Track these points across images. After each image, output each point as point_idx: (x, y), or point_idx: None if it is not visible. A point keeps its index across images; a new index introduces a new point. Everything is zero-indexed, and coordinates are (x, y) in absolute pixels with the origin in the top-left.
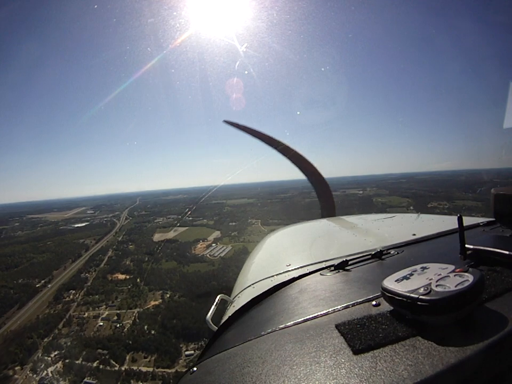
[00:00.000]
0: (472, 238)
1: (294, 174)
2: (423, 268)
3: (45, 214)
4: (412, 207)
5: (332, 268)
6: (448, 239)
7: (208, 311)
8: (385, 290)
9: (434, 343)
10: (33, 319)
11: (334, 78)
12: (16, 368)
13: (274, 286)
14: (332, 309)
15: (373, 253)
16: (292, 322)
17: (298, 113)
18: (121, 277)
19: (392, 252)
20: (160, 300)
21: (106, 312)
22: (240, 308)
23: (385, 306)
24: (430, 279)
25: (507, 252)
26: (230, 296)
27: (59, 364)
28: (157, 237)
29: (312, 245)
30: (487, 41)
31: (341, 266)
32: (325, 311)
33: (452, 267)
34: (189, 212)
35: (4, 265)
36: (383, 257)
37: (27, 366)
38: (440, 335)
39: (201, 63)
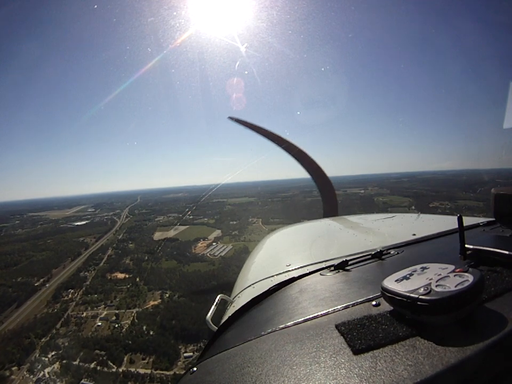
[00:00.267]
0: (472, 238)
1: (295, 173)
2: (423, 268)
3: (46, 212)
4: (413, 207)
5: (332, 268)
6: (448, 239)
7: (208, 311)
8: (385, 290)
9: (434, 343)
10: (31, 319)
11: (334, 78)
12: (13, 368)
13: (274, 286)
14: (332, 309)
15: (373, 253)
16: (291, 322)
17: (298, 113)
18: (121, 276)
19: (392, 252)
20: (160, 300)
21: (105, 312)
22: (240, 308)
23: (385, 306)
24: (430, 279)
25: (507, 252)
26: (230, 296)
27: (56, 365)
28: (157, 235)
29: (312, 245)
30: (487, 41)
31: (341, 266)
32: (325, 311)
33: (451, 267)
34: (189, 212)
35: (3, 263)
36: (383, 257)
37: (24, 367)
38: (440, 335)
39: (201, 62)
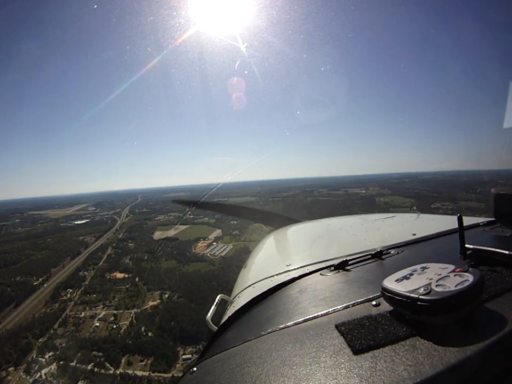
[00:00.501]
0: (472, 238)
1: (296, 173)
2: (423, 268)
3: (46, 211)
4: (415, 208)
5: (332, 268)
6: (448, 239)
7: (208, 311)
8: (385, 290)
9: (434, 343)
10: (29, 318)
11: (334, 78)
12: (10, 369)
13: (274, 286)
14: (332, 309)
15: (373, 252)
16: (291, 322)
17: (298, 112)
18: (120, 275)
19: (392, 251)
20: (159, 300)
21: (103, 312)
22: (240, 307)
23: (385, 306)
24: (430, 279)
25: (507, 252)
26: (230, 296)
27: (53, 366)
28: (158, 234)
29: (312, 245)
30: (487, 41)
31: (341, 266)
32: (325, 311)
33: (451, 267)
34: (189, 212)
35: (3, 262)
36: (383, 257)
37: (21, 367)
38: (440, 335)
39: (201, 62)
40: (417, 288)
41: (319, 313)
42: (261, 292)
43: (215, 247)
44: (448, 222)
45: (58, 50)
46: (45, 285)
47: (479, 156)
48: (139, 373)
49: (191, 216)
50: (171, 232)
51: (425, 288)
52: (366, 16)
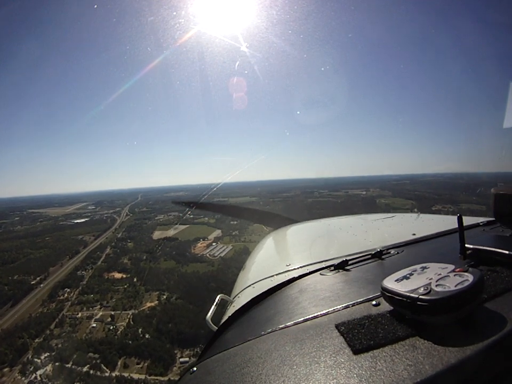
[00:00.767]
0: (472, 238)
1: (296, 173)
2: (423, 268)
3: (46, 209)
4: (416, 210)
5: (332, 268)
6: (448, 239)
7: (208, 311)
8: (385, 290)
9: (434, 343)
10: (26, 318)
11: (334, 78)
12: (5, 369)
13: (274, 286)
14: (332, 308)
15: (373, 252)
16: (291, 322)
17: (298, 112)
18: (118, 275)
19: (392, 251)
20: (157, 302)
21: (101, 313)
22: (240, 307)
23: (385, 306)
24: (429, 279)
25: (507, 252)
26: (230, 296)
27: (49, 367)
28: (157, 234)
29: (312, 245)
30: (487, 41)
31: (341, 266)
32: (324, 311)
33: (451, 267)
34: (189, 212)
35: (1, 260)
36: (383, 257)
37: (16, 368)
38: (440, 335)
39: (201, 62)
40: (417, 288)
41: (319, 313)
42: (261, 292)
43: (214, 248)
44: (448, 222)
45: (58, 50)
46: (41, 285)
47: (479, 158)
48: (135, 376)
49: (191, 216)
50: (170, 232)
51: (425, 288)
52: (366, 16)
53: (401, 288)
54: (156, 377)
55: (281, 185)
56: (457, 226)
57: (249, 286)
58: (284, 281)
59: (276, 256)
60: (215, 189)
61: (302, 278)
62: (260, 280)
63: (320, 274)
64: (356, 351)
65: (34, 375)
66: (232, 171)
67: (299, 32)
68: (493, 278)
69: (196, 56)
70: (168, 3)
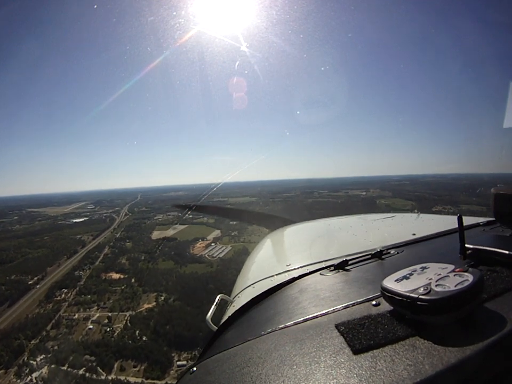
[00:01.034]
0: (472, 238)
1: (296, 173)
2: (423, 268)
3: (45, 208)
4: (416, 210)
5: (332, 268)
6: (448, 239)
7: (208, 311)
8: (385, 290)
9: (434, 343)
10: (22, 319)
11: (334, 78)
12: (0, 371)
13: (274, 286)
14: (332, 308)
15: (373, 252)
16: (291, 322)
17: (298, 112)
18: (116, 276)
19: (392, 251)
20: (154, 303)
21: (97, 314)
22: (240, 307)
23: (385, 306)
24: (429, 279)
25: (507, 252)
26: (230, 296)
27: (44, 369)
28: (156, 234)
29: (312, 245)
30: (487, 41)
31: (341, 266)
32: (324, 311)
33: (451, 267)
34: (189, 212)
35: None
36: (383, 257)
37: (11, 370)
38: (440, 335)
39: (201, 62)
40: (417, 288)
41: (319, 313)
42: (261, 292)
43: (213, 248)
44: (448, 222)
45: (58, 50)
46: (38, 286)
47: (480, 159)
48: (132, 379)
49: (190, 216)
50: (169, 232)
51: (425, 288)
52: (366, 16)
53: (401, 288)
54: (152, 381)
55: (281, 185)
56: (457, 226)
57: (249, 286)
58: (284, 281)
59: (275, 256)
60: (215, 188)
61: (302, 278)
62: (260, 280)
63: (320, 274)
64: (356, 351)
65: (29, 377)
66: (232, 171)
67: (299, 32)
68: (492, 278)
69: (196, 56)
70: (168, 3)
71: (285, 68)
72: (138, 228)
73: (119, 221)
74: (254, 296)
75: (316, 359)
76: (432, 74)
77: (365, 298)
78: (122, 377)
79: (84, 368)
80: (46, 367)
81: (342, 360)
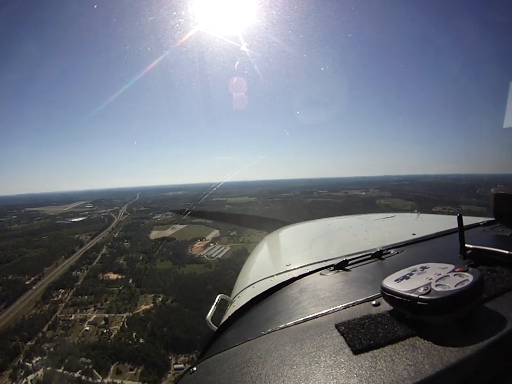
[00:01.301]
0: (472, 238)
1: (296, 173)
2: (423, 268)
3: (44, 207)
4: (416, 211)
5: (332, 268)
6: (448, 239)
7: (208, 311)
8: (385, 290)
9: (434, 343)
10: (19, 320)
11: (334, 78)
12: None
13: (274, 286)
14: (332, 308)
15: (373, 252)
16: (291, 322)
17: (298, 112)
18: (113, 276)
19: (392, 251)
20: (152, 304)
21: (94, 316)
22: (240, 307)
23: (385, 306)
24: (429, 279)
25: (507, 252)
26: (230, 296)
27: (40, 372)
28: (154, 234)
29: (312, 245)
30: (487, 41)
31: (341, 266)
32: (324, 311)
33: (451, 267)
34: (189, 212)
35: None
36: (383, 257)
37: (7, 372)
38: (440, 335)
39: (201, 62)
40: (417, 288)
41: (319, 313)
42: (261, 292)
43: (212, 248)
44: (448, 222)
45: (58, 50)
46: (34, 287)
47: (480, 159)
48: (128, 383)
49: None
50: (168, 232)
51: (425, 288)
52: (366, 16)
53: (401, 288)
54: None
55: (280, 185)
56: (457, 226)
57: (249, 286)
58: (284, 281)
59: (275, 256)
60: (215, 188)
61: (302, 278)
62: (260, 280)
63: (320, 274)
64: (356, 351)
65: (25, 380)
66: (232, 171)
67: (299, 32)
68: (492, 278)
69: (196, 56)
70: (168, 3)
71: (285, 68)
72: (136, 228)
73: (117, 220)
74: (254, 296)
75: (316, 359)
76: (432, 75)
77: (365, 298)
78: (118, 381)
79: (80, 371)
80: (41, 369)
81: (342, 360)
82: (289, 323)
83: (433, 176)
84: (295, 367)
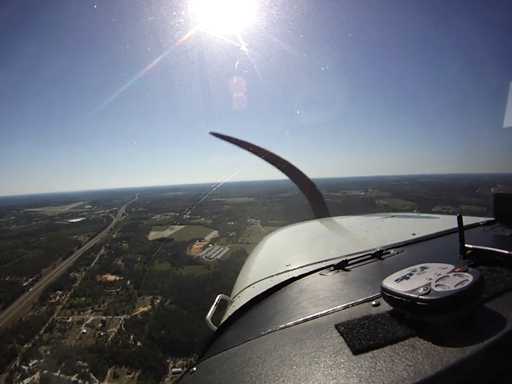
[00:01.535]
0: (472, 238)
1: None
2: (423, 268)
3: (43, 208)
4: (415, 211)
5: (332, 268)
6: (448, 239)
7: (208, 311)
8: (384, 290)
9: (434, 343)
10: (16, 322)
11: (334, 78)
12: None
13: (274, 286)
14: (332, 309)
15: (373, 252)
16: (291, 322)
17: (298, 112)
18: (111, 278)
19: (391, 251)
20: (150, 306)
21: (92, 318)
22: (240, 307)
23: (385, 306)
24: (429, 279)
25: (507, 252)
26: (229, 296)
27: (36, 375)
28: (153, 235)
29: (311, 245)
30: (486, 41)
31: (341, 266)
32: (324, 311)
33: (451, 267)
34: (188, 212)
35: None
36: (383, 257)
37: (3, 375)
38: (440, 335)
39: (201, 62)
40: (417, 288)
41: (319, 313)
42: (261, 292)
43: (211, 249)
44: (448, 222)
45: (58, 50)
46: (30, 289)
47: (479, 159)
48: None
49: (188, 216)
50: (166, 233)
51: (425, 288)
52: (366, 16)
53: (401, 288)
54: None
55: (280, 185)
56: (457, 226)
57: (249, 286)
58: (284, 281)
59: (275, 256)
60: (214, 188)
61: (302, 278)
62: (260, 280)
63: (320, 274)
64: (356, 351)
65: (21, 383)
66: (232, 171)
67: (299, 32)
68: (492, 278)
69: (196, 56)
70: (168, 3)
71: (285, 67)
72: (135, 228)
73: (116, 221)
74: (254, 296)
75: (315, 359)
76: (432, 74)
77: (364, 298)
78: None
79: (77, 375)
80: (38, 372)
81: (342, 360)
82: (289, 323)
83: (432, 176)
84: (294, 367)
